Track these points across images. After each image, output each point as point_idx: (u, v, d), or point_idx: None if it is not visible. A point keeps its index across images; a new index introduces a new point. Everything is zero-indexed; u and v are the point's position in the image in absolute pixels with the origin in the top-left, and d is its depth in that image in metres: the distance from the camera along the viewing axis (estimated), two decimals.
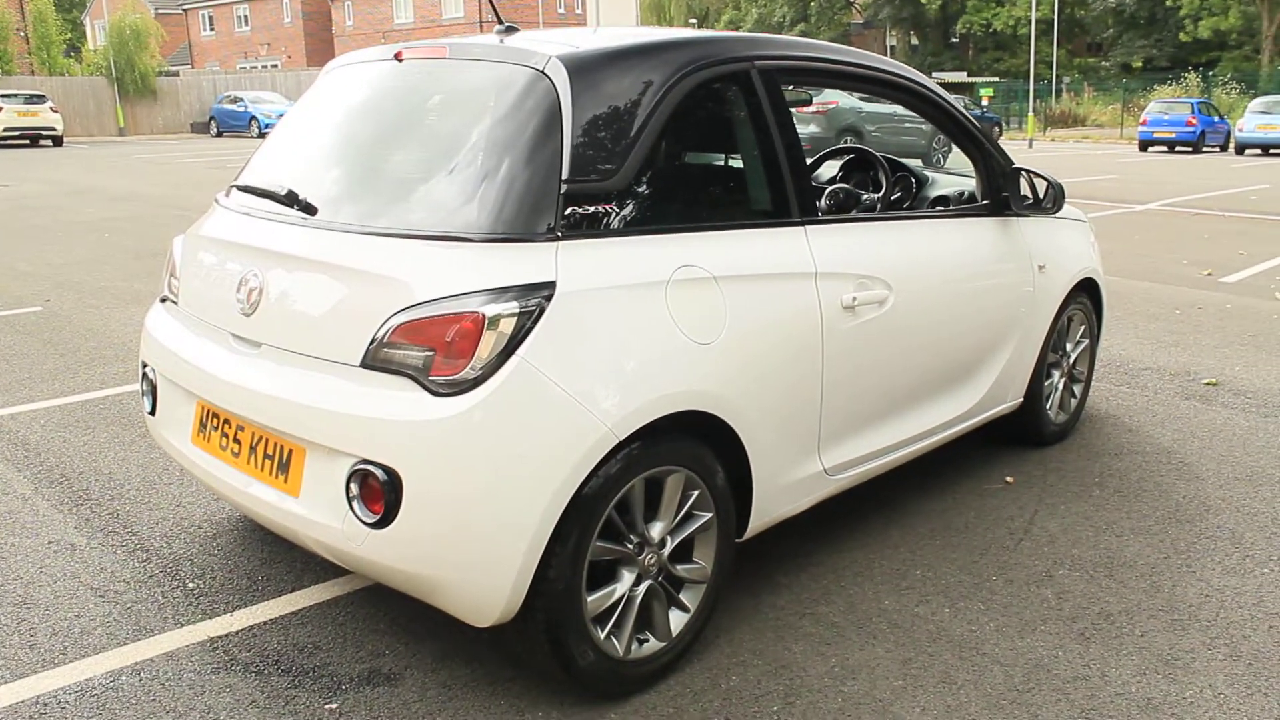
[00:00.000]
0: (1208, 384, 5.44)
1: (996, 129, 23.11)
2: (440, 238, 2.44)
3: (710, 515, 2.73)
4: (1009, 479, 4.13)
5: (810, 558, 3.42)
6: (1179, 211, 13.44)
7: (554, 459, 2.33)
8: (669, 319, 2.57)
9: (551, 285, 2.37)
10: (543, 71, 2.59)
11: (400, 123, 2.90)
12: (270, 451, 2.63)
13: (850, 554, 3.47)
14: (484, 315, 2.30)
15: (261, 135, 32.28)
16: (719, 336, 2.67)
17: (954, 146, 3.90)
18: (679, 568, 2.71)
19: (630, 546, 2.58)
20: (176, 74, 41.06)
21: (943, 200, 4.13)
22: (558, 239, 2.44)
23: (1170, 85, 43.16)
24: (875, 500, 3.85)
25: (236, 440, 2.74)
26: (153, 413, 3.13)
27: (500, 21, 3.03)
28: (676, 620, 2.72)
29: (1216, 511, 3.82)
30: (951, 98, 3.77)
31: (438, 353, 2.32)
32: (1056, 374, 4.41)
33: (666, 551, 2.66)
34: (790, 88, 3.12)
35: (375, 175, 2.81)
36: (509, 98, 2.61)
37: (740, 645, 2.90)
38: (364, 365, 2.41)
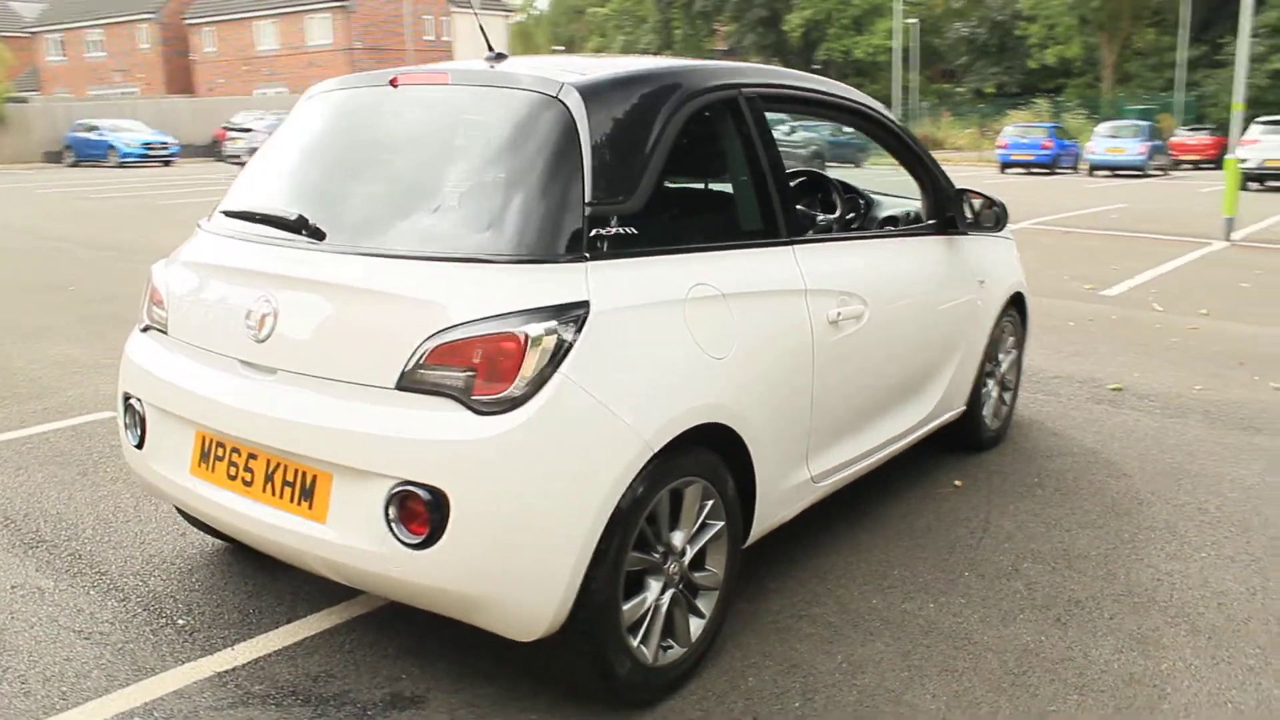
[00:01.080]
0: (1113, 389, 5.84)
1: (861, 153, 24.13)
2: (472, 260, 2.49)
3: (722, 523, 2.84)
4: (957, 483, 4.36)
5: (793, 563, 3.56)
6: (1049, 230, 14.26)
7: (598, 473, 2.40)
8: (689, 335, 2.68)
9: (585, 305, 2.45)
10: (557, 98, 2.67)
11: (408, 147, 2.94)
12: (290, 478, 2.61)
13: (828, 558, 3.62)
14: (526, 335, 2.36)
15: (121, 165, 31.00)
16: (730, 352, 2.79)
17: (903, 169, 4.12)
18: (696, 575, 2.80)
19: (657, 556, 2.66)
20: (25, 100, 39.05)
21: (891, 220, 4.36)
22: (585, 259, 2.52)
23: (1022, 110, 45.66)
24: (838, 506, 4.01)
25: (248, 469, 2.71)
26: (139, 445, 3.05)
27: (491, 49, 3.09)
28: (695, 626, 2.81)
29: (1149, 505, 4.13)
30: (902, 126, 4.00)
31: (479, 373, 2.36)
32: (991, 382, 4.69)
33: (686, 560, 2.75)
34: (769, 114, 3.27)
35: (389, 199, 2.83)
36: (525, 123, 2.68)
37: (748, 648, 3.01)
38: (400, 387, 2.43)
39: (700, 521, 2.78)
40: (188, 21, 53.96)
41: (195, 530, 3.75)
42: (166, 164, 32.06)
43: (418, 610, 2.92)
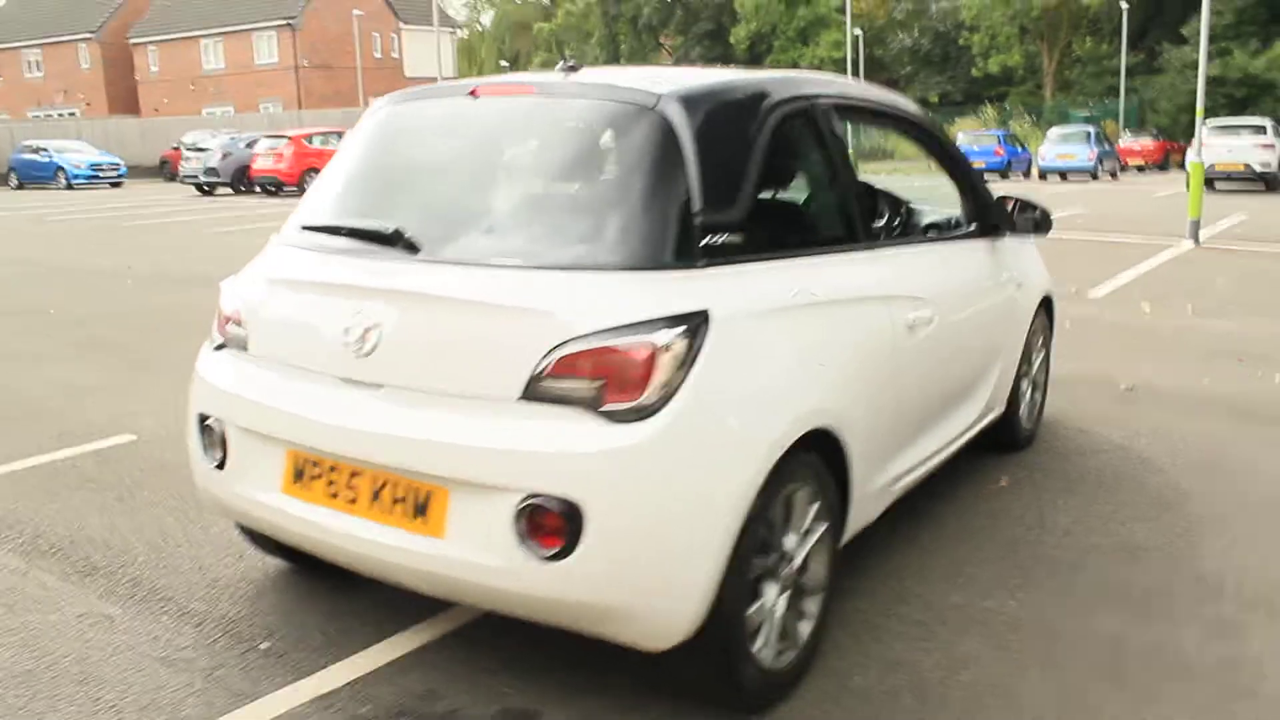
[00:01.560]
0: (1126, 388, 5.96)
1: None
2: (590, 269, 2.48)
3: (825, 526, 2.85)
4: (1003, 481, 4.42)
5: (867, 564, 3.58)
6: None
7: (730, 479, 2.41)
8: (796, 341, 2.70)
9: (705, 313, 2.45)
10: (656, 109, 2.68)
11: (499, 159, 2.92)
12: (400, 495, 2.57)
13: (899, 557, 3.64)
14: (656, 343, 2.36)
15: (70, 187, 30.38)
16: (830, 357, 2.81)
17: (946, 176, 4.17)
18: (802, 578, 2.81)
19: (773, 560, 2.67)
20: None
21: (933, 225, 4.43)
22: (699, 267, 2.53)
23: (969, 118, 46.50)
24: (898, 507, 4.04)
25: (350, 487, 2.66)
26: (220, 467, 2.99)
27: (565, 59, 3.09)
28: (804, 629, 2.82)
29: (1191, 497, 4.22)
30: (945, 135, 4.07)
31: (609, 382, 2.36)
32: (1026, 383, 4.76)
33: (797, 563, 2.76)
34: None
35: (486, 211, 2.82)
36: (627, 134, 2.69)
37: (845, 649, 3.02)
38: (524, 399, 2.41)
39: (809, 524, 2.79)
40: (131, 41, 53.09)
41: (253, 552, 3.68)
42: (115, 185, 31.51)
43: (510, 624, 2.90)
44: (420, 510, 2.54)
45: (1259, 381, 6.05)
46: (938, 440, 3.71)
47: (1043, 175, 29.09)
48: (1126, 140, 34.42)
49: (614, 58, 69.77)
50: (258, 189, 26.15)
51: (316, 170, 25.09)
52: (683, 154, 2.61)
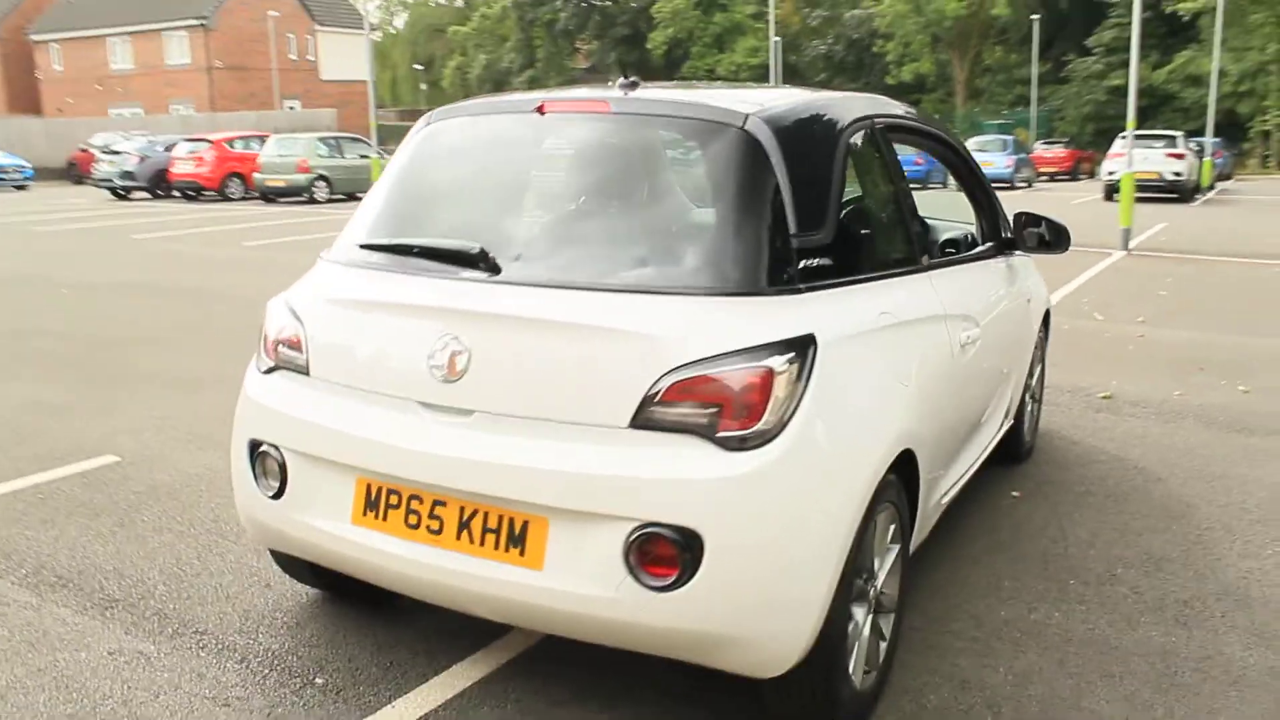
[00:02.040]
0: (1103, 397, 6.14)
1: None
2: (698, 293, 2.46)
3: (899, 546, 2.87)
4: (1015, 494, 4.52)
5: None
6: None
7: (842, 504, 2.41)
8: (884, 363, 2.71)
9: (812, 336, 2.44)
10: (744, 129, 2.66)
11: (578, 177, 2.87)
12: (493, 525, 2.51)
13: (937, 573, 3.69)
14: (772, 369, 2.34)
15: None
16: (909, 378, 2.83)
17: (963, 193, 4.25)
18: (881, 598, 2.82)
19: (864, 581, 2.67)
20: None
21: (953, 244, 4.49)
22: (800, 291, 2.52)
23: None
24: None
25: (434, 517, 2.59)
26: (277, 496, 2.87)
27: (626, 76, 3.05)
28: (881, 649, 2.83)
29: (1196, 508, 4.36)
30: (969, 153, 4.14)
31: (725, 408, 2.33)
32: (1026, 396, 4.87)
33: (879, 583, 2.77)
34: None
35: (572, 232, 2.76)
36: (717, 154, 2.67)
37: (911, 667, 3.04)
38: (634, 426, 2.37)
39: (889, 544, 2.81)
40: (32, 38, 51.02)
41: (280, 580, 3.57)
42: (20, 189, 30.21)
43: (571, 652, 2.88)
44: (515, 541, 2.48)
45: (1225, 392, 6.29)
46: (973, 455, 3.77)
47: None
48: (1039, 149, 35.52)
49: (529, 63, 69.57)
50: (176, 193, 25.34)
51: (240, 175, 24.74)
52: (775, 175, 2.60)
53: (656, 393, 2.36)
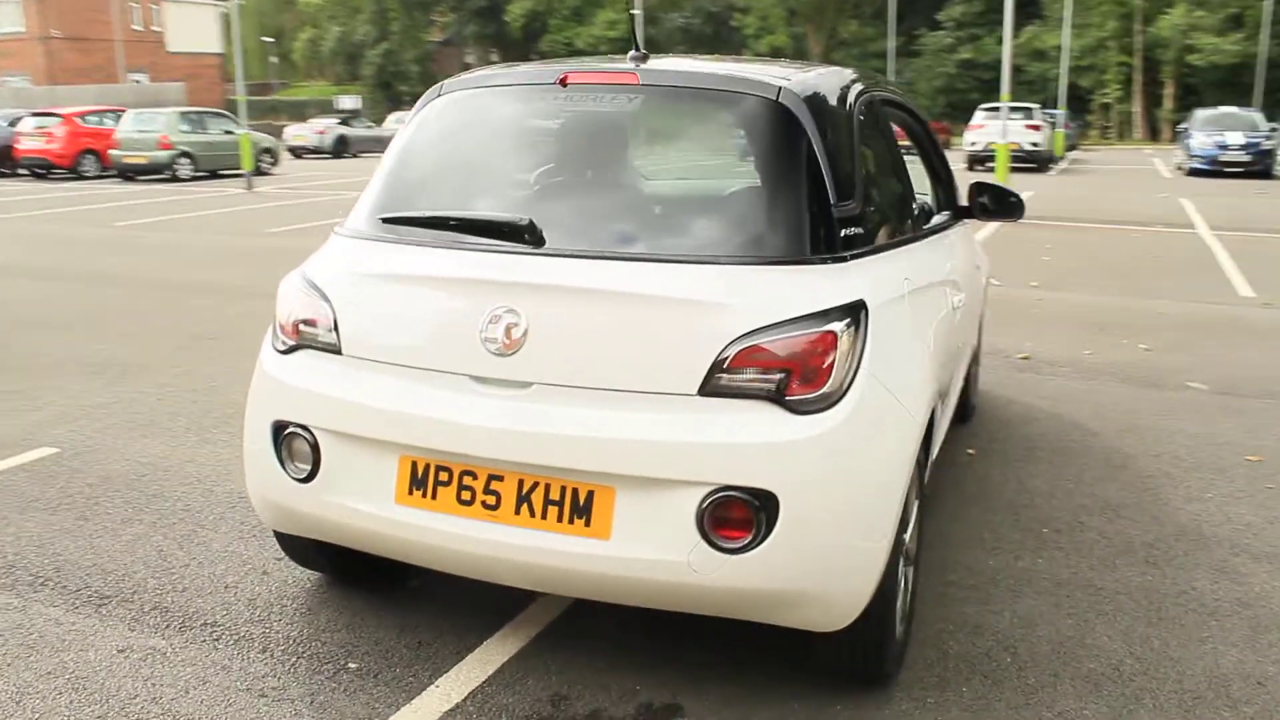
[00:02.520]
0: (1022, 358, 6.49)
1: None
2: (758, 262, 2.53)
3: (919, 500, 3.01)
4: (970, 451, 4.76)
5: None
6: None
7: (899, 461, 2.52)
8: (914, 326, 2.84)
9: (863, 303, 2.54)
10: (779, 101, 2.73)
11: (613, 150, 2.88)
12: (555, 497, 2.53)
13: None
14: (836, 333, 2.43)
15: None
16: (929, 341, 2.97)
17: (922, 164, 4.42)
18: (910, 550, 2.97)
19: (907, 535, 2.80)
20: None
21: (929, 212, 4.66)
22: (846, 260, 2.62)
23: None
24: None
25: (490, 491, 2.59)
26: (309, 479, 2.81)
27: (638, 48, 3.07)
28: (907, 600, 2.97)
29: (1135, 458, 4.69)
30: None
31: (793, 373, 2.41)
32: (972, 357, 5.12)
33: (909, 536, 2.90)
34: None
35: (616, 203, 2.78)
36: (755, 126, 2.73)
37: (922, 617, 3.19)
38: (704, 393, 2.42)
39: (916, 498, 2.94)
40: None
41: (278, 566, 3.49)
42: None
43: (602, 618, 2.95)
44: (580, 512, 2.50)
45: (1129, 350, 6.74)
46: (949, 413, 3.96)
47: None
48: None
49: (383, 35, 67.84)
50: (23, 171, 23.78)
51: (94, 151, 23.35)
52: (814, 146, 2.69)
53: (725, 359, 2.42)
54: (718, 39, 64.53)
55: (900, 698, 2.79)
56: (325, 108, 48.67)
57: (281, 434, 2.85)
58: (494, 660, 2.96)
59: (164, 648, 3.03)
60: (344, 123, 34.85)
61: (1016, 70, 47.04)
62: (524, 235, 2.65)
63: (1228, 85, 41.32)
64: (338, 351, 2.81)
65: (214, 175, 23.41)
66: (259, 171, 21.53)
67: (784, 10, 57.62)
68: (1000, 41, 46.51)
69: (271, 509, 2.98)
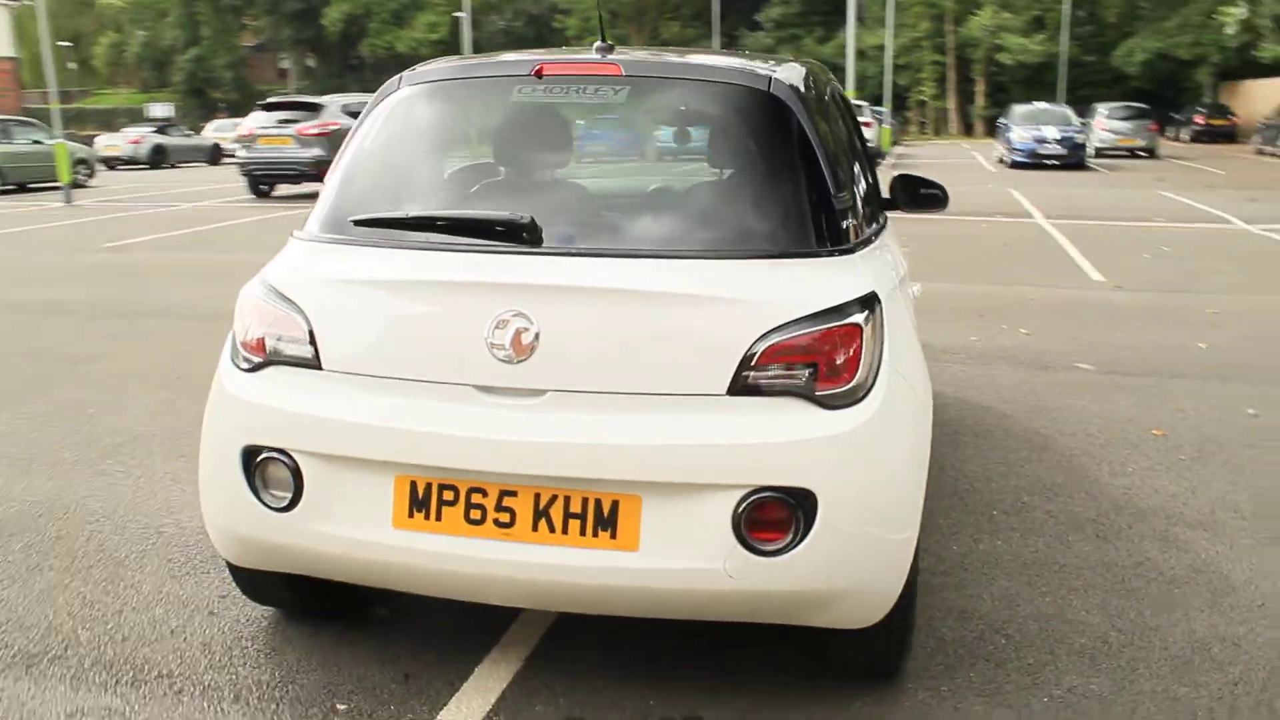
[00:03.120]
0: None
1: None
2: (770, 255, 2.47)
3: None
4: None
5: None
6: None
7: (921, 452, 2.52)
8: (906, 317, 2.84)
9: (875, 294, 2.52)
10: (770, 92, 2.68)
11: (601, 143, 2.76)
12: (577, 510, 2.40)
13: None
14: (860, 325, 2.40)
15: None
16: (913, 330, 2.98)
17: None
18: None
19: None
20: None
21: None
22: (851, 251, 2.59)
23: None
24: None
25: (503, 508, 2.43)
26: (289, 508, 2.58)
27: (605, 39, 2.97)
28: None
29: (1053, 438, 4.88)
30: None
31: (821, 367, 2.36)
32: None
33: None
34: None
35: (615, 198, 2.66)
36: (750, 118, 2.68)
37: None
38: (733, 392, 2.34)
39: None
40: None
41: (227, 606, 3.21)
42: None
43: (590, 634, 2.85)
44: (605, 523, 2.39)
45: (1011, 335, 7.04)
46: None
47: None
48: None
49: (193, 40, 64.77)
50: None
51: None
52: (809, 137, 2.65)
53: (753, 356, 2.35)
54: (540, 41, 64.50)
55: (914, 689, 2.78)
56: (135, 116, 45.86)
57: (254, 460, 2.60)
58: (493, 688, 2.80)
59: (120, 707, 2.73)
60: (160, 131, 32.94)
61: (835, 70, 49.20)
62: (523, 234, 2.50)
63: (1034, 83, 44.19)
64: (316, 366, 2.59)
65: (23, 189, 21.70)
66: (75, 184, 20.04)
67: (605, 12, 58.18)
68: (821, 41, 48.87)
69: (239, 544, 2.72)
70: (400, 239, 2.64)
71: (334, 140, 17.93)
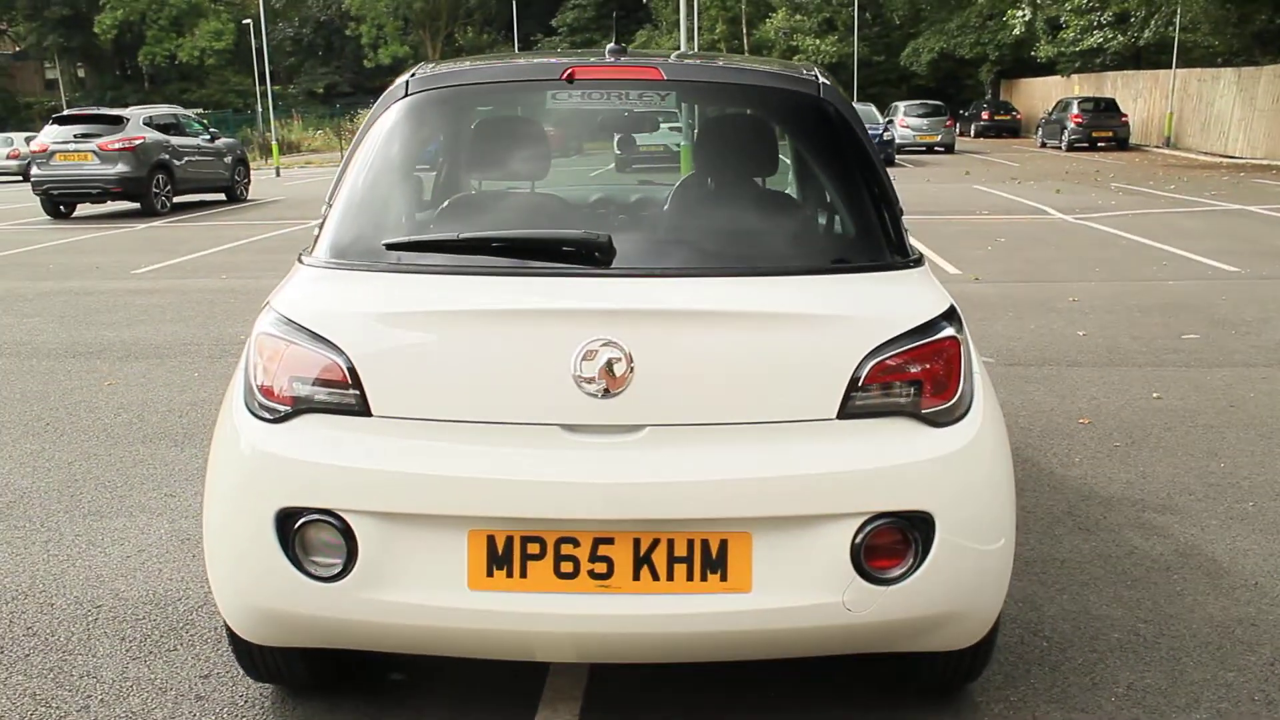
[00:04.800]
0: None
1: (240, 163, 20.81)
2: (854, 270, 2.39)
3: None
4: None
5: None
6: None
7: (1010, 463, 2.45)
8: None
9: (954, 307, 2.45)
10: (822, 98, 2.58)
11: (661, 152, 2.56)
12: (683, 553, 2.22)
13: None
14: (957, 339, 2.32)
15: None
16: None
17: None
18: None
19: None
20: None
21: None
22: (922, 262, 2.52)
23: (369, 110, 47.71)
24: None
25: (599, 559, 2.22)
26: (339, 577, 2.26)
27: (619, 41, 2.80)
28: None
29: (1013, 432, 4.97)
30: None
31: (926, 384, 2.28)
32: None
33: None
34: None
35: (679, 212, 2.47)
36: (805, 125, 2.57)
37: None
38: (843, 416, 2.22)
39: None
40: None
41: (211, 687, 2.83)
42: None
43: (623, 673, 2.68)
44: (714, 566, 2.21)
45: None
46: None
47: None
48: None
49: None
50: None
51: None
52: (863, 145, 2.56)
53: (859, 376, 2.24)
54: (331, 49, 62.58)
55: (985, 702, 2.75)
56: None
57: (292, 525, 2.27)
58: None
59: None
60: None
61: None
62: (596, 254, 2.29)
63: None
64: (363, 413, 2.28)
65: None
66: None
67: (399, 19, 57.16)
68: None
69: (271, 622, 2.37)
70: (447, 264, 2.37)
71: (140, 155, 16.66)
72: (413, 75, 2.71)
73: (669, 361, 2.22)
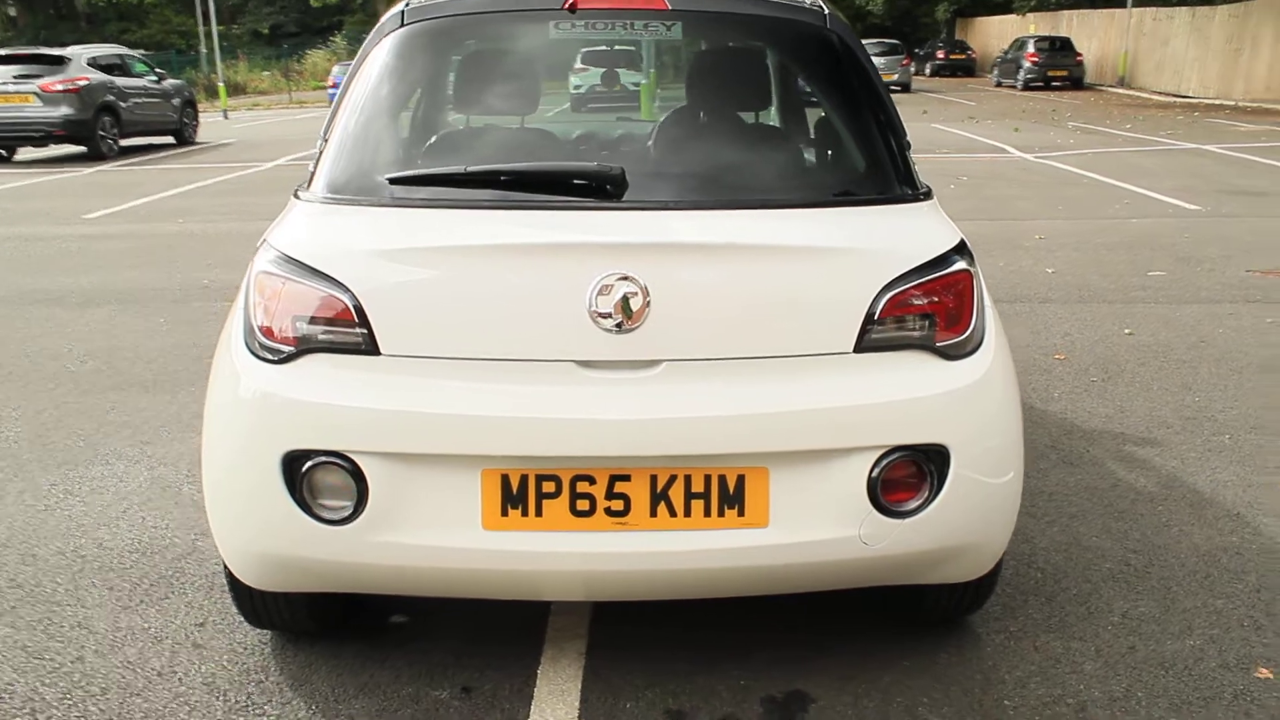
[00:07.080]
0: None
1: (189, 105, 20.14)
2: (875, 202, 2.36)
3: None
4: None
5: None
6: None
7: (1019, 399, 2.46)
8: None
9: (964, 240, 2.43)
10: (829, 29, 2.53)
11: (660, 84, 2.50)
12: (700, 489, 2.20)
13: None
14: (969, 271, 2.32)
15: None
16: None
17: None
18: None
19: None
20: None
21: None
22: (931, 195, 2.50)
23: (321, 50, 46.48)
24: None
25: (615, 495, 2.20)
26: (349, 519, 2.22)
27: None
28: None
29: None
30: None
31: (940, 318, 2.27)
32: None
33: None
34: None
35: (690, 145, 2.42)
36: (812, 56, 2.53)
37: None
38: (860, 349, 2.20)
39: None
40: None
41: (209, 633, 2.79)
42: None
43: (631, 611, 2.67)
44: (731, 501, 2.21)
45: None
46: None
47: None
48: None
49: None
50: None
51: None
52: (871, 80, 2.52)
53: (875, 310, 2.23)
54: None
55: (985, 634, 2.79)
56: None
57: (299, 468, 2.22)
58: (569, 689, 2.56)
59: None
60: None
61: None
62: (609, 186, 2.24)
63: None
64: (371, 351, 2.22)
65: None
66: None
67: None
68: None
69: (277, 567, 2.33)
70: (452, 198, 2.30)
71: (84, 97, 16.06)
72: (408, 5, 2.61)
73: (685, 296, 2.19)
